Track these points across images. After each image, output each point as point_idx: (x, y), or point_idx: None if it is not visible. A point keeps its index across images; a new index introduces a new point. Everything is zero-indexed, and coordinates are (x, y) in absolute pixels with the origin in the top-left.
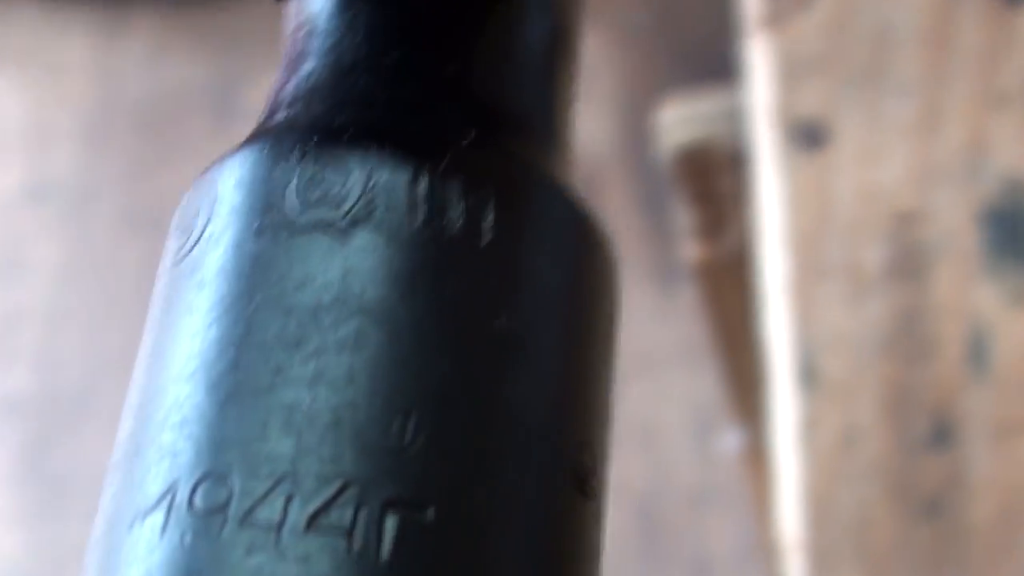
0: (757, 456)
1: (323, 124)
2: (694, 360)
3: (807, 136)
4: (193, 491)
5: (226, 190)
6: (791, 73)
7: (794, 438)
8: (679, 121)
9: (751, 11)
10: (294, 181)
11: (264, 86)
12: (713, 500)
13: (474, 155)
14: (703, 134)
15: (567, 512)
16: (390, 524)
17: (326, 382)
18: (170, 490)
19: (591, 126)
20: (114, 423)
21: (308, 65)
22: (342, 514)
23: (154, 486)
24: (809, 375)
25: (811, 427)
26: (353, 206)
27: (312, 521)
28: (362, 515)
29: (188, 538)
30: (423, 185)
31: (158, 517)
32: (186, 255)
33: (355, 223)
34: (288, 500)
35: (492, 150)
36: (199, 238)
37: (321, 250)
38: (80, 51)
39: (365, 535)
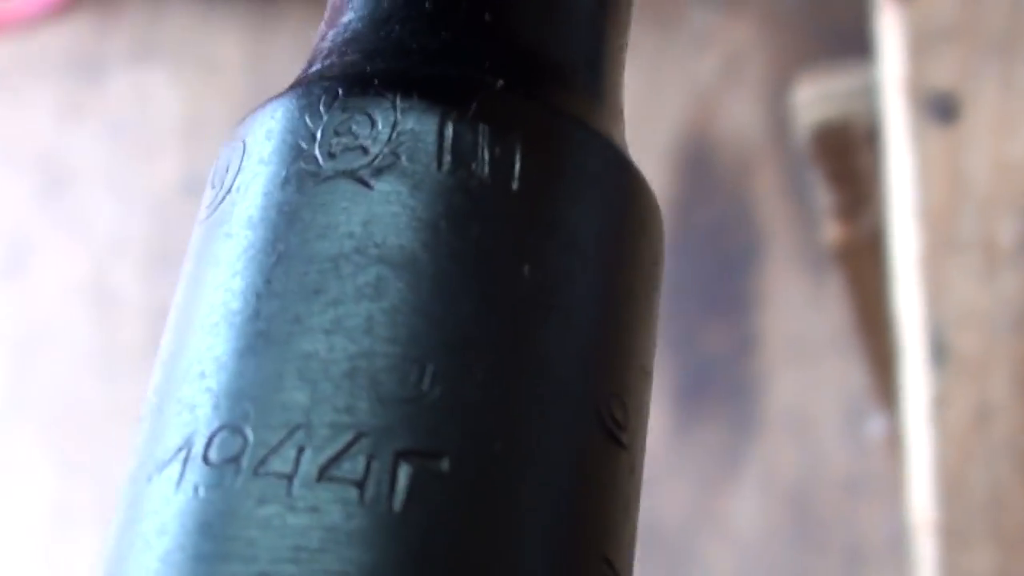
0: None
1: (353, 73)
2: (848, 347)
3: (940, 109)
4: (209, 443)
5: (255, 142)
6: (923, 45)
7: (925, 417)
8: (816, 99)
9: None
10: (320, 130)
11: None
12: (867, 487)
13: (503, 101)
14: (840, 111)
15: (595, 463)
16: (403, 475)
17: (344, 331)
18: (187, 442)
19: (741, 112)
20: None
21: (346, 17)
22: (354, 464)
23: (172, 438)
24: (940, 352)
25: (942, 405)
26: (379, 154)
27: (324, 471)
28: (375, 465)
29: (201, 490)
30: (449, 131)
31: (174, 469)
32: (216, 208)
33: (379, 171)
34: (300, 450)
35: (522, 96)
36: (229, 190)
37: (345, 198)
38: (233, 46)
39: (377, 486)
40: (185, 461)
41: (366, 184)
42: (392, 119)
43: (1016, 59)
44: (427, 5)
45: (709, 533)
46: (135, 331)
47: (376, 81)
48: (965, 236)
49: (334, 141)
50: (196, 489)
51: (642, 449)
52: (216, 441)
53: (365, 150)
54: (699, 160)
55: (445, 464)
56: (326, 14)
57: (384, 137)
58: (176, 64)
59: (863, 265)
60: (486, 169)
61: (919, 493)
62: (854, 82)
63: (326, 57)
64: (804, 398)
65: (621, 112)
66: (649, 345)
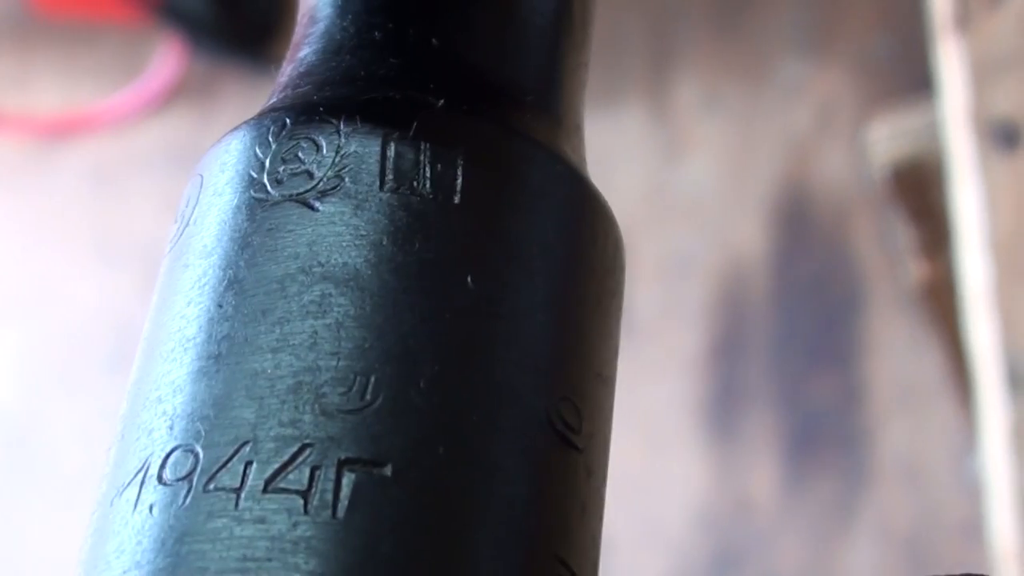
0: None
1: (301, 103)
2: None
3: (1004, 136)
4: (163, 464)
5: (211, 175)
6: (983, 73)
7: (1004, 445)
8: (887, 137)
9: (941, 14)
10: (269, 158)
11: None
12: (982, 530)
13: (444, 119)
14: (912, 149)
15: (546, 465)
16: (346, 482)
17: (289, 348)
18: (144, 464)
19: (835, 161)
20: None
21: (302, 52)
22: (299, 475)
23: (131, 463)
24: (1016, 379)
25: (1022, 433)
26: (323, 177)
27: (269, 483)
28: (319, 475)
29: (155, 509)
30: (392, 151)
31: (132, 491)
32: (176, 241)
33: (324, 193)
34: (247, 465)
35: (464, 115)
36: (188, 223)
37: (291, 222)
38: None
39: (322, 494)
40: (142, 483)
41: (311, 207)
42: (336, 143)
43: None
44: (377, 35)
45: None
46: None
47: (321, 108)
48: None
49: (281, 168)
50: (151, 508)
51: (602, 452)
52: (170, 461)
53: (311, 174)
54: (796, 212)
55: (388, 470)
56: (288, 52)
57: (329, 161)
58: None
59: (947, 302)
60: (428, 185)
61: (1002, 521)
62: (925, 118)
63: (282, 91)
64: (914, 445)
65: (578, 127)
66: (605, 351)
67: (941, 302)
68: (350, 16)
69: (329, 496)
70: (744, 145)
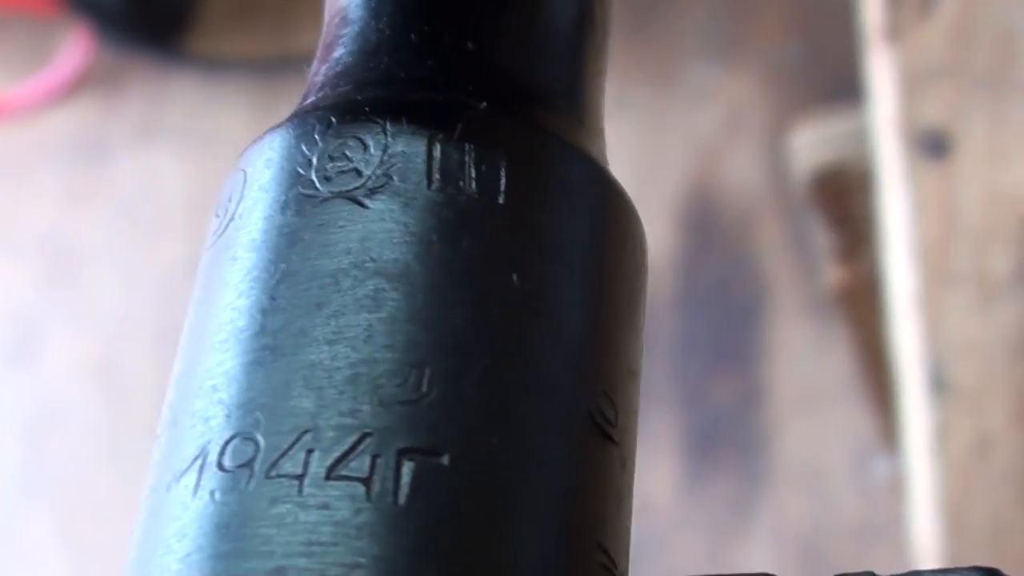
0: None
1: (344, 102)
2: (855, 393)
3: (931, 145)
4: (223, 451)
5: (255, 171)
6: (913, 84)
7: (927, 449)
8: (812, 143)
9: (871, 24)
10: (316, 156)
11: None
12: (877, 533)
13: (487, 122)
14: (836, 155)
15: (587, 457)
16: (406, 471)
17: (345, 340)
18: (202, 451)
19: (743, 165)
20: None
21: (337, 52)
22: (360, 463)
23: (188, 449)
24: (939, 384)
25: (943, 437)
26: (372, 175)
27: (331, 471)
28: (379, 463)
29: (217, 494)
30: (437, 152)
31: (191, 477)
32: (220, 235)
33: (373, 191)
34: (309, 452)
35: (505, 117)
36: (232, 217)
37: (342, 218)
38: (238, 123)
39: (382, 482)
40: (201, 469)
41: (361, 204)
42: (383, 143)
43: (1004, 94)
44: (412, 37)
45: None
46: (144, 411)
47: (367, 108)
48: (960, 269)
49: (329, 165)
50: (212, 493)
51: (633, 445)
52: (229, 449)
53: (359, 172)
54: (702, 215)
55: (445, 459)
56: (318, 52)
57: (376, 160)
58: (181, 144)
59: (863, 306)
60: (473, 185)
61: (923, 524)
62: (849, 125)
63: (319, 90)
64: (812, 447)
65: (601, 131)
66: (635, 347)
67: (856, 306)
68: (385, 19)
69: (390, 484)
70: (652, 148)
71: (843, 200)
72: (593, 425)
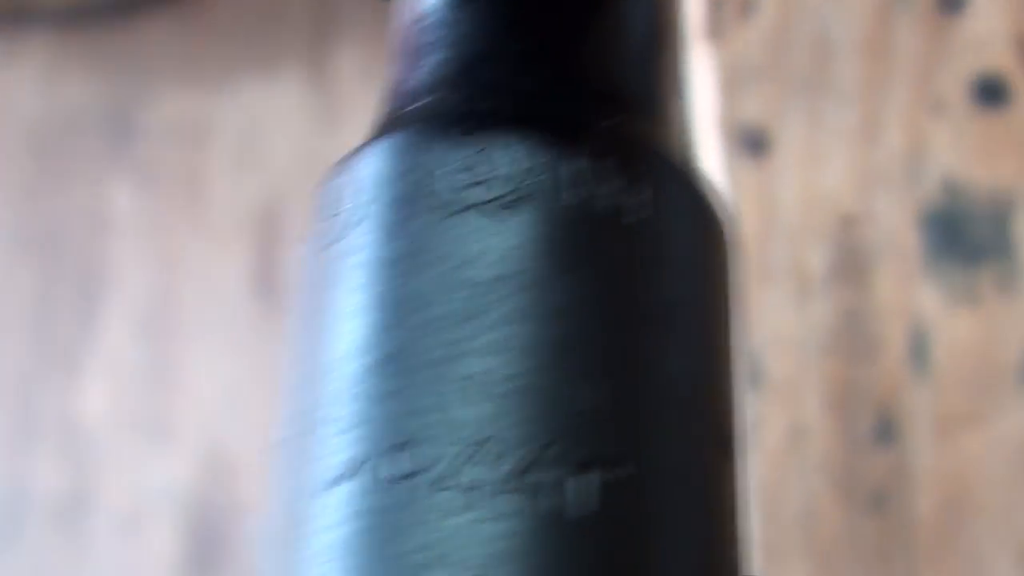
0: None
1: (465, 112)
2: None
3: (751, 143)
4: (380, 460)
5: (376, 177)
6: (733, 82)
7: (745, 440)
8: None
9: (693, 22)
10: (442, 168)
11: (161, 108)
12: None
13: (609, 140)
14: None
15: (718, 471)
16: (583, 484)
17: (499, 353)
18: (355, 460)
19: None
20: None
21: (434, 56)
22: (532, 477)
23: (338, 458)
24: (755, 376)
25: (759, 427)
26: (503, 190)
27: (505, 483)
28: (555, 476)
29: (383, 504)
30: (565, 169)
31: (345, 487)
32: (337, 240)
33: (507, 207)
34: (488, 462)
35: (629, 134)
36: (350, 223)
37: (478, 231)
38: None
39: (560, 495)
40: (357, 478)
41: (497, 217)
42: (511, 156)
43: (820, 96)
44: (515, 46)
45: None
46: None
47: (491, 121)
48: (777, 265)
49: (459, 177)
50: (376, 503)
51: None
52: (388, 458)
53: (490, 186)
54: None
55: (618, 473)
56: (401, 52)
57: (505, 173)
58: None
59: None
60: (604, 203)
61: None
62: None
63: (421, 96)
64: None
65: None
66: (734, 360)
67: None
68: (487, 25)
69: (569, 496)
70: None
71: None
72: (720, 442)
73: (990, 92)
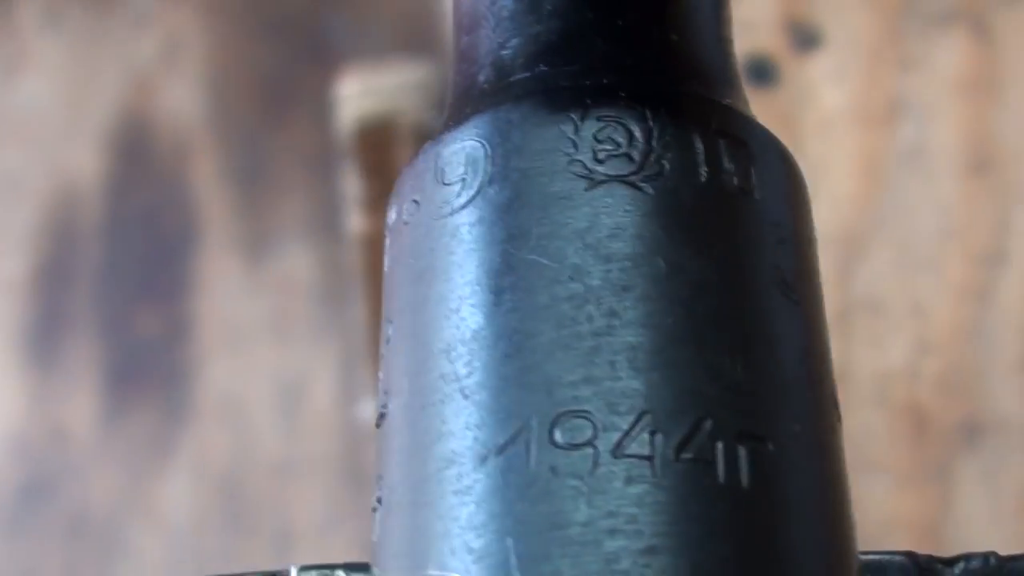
0: None
1: (590, 85)
2: (281, 333)
3: None
4: (552, 427)
5: (503, 144)
6: None
7: None
8: (361, 93)
9: None
10: (580, 137)
11: None
12: (298, 471)
13: (730, 116)
14: (378, 107)
15: (838, 439)
16: (743, 455)
17: (657, 325)
18: (525, 427)
19: (180, 96)
20: None
21: (534, 30)
22: (703, 447)
23: (504, 424)
24: None
25: None
26: (644, 162)
27: (679, 453)
28: (720, 447)
29: (562, 469)
30: (699, 145)
31: (517, 453)
32: (464, 206)
33: (649, 178)
34: (653, 434)
35: (741, 111)
36: (478, 190)
37: (625, 201)
38: None
39: (727, 465)
40: (528, 444)
41: (640, 189)
42: (648, 130)
43: None
44: (616, 22)
45: (139, 520)
46: None
47: (623, 94)
48: None
49: (597, 148)
50: (553, 469)
51: None
52: (560, 425)
53: (630, 158)
54: (135, 143)
55: (770, 446)
56: (486, 25)
57: (644, 147)
58: None
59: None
60: (734, 180)
61: None
62: (399, 78)
63: (517, 68)
64: (235, 384)
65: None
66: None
67: (375, 255)
68: (588, 3)
69: (733, 467)
70: (86, 70)
71: (386, 151)
72: (836, 410)
73: (759, 72)
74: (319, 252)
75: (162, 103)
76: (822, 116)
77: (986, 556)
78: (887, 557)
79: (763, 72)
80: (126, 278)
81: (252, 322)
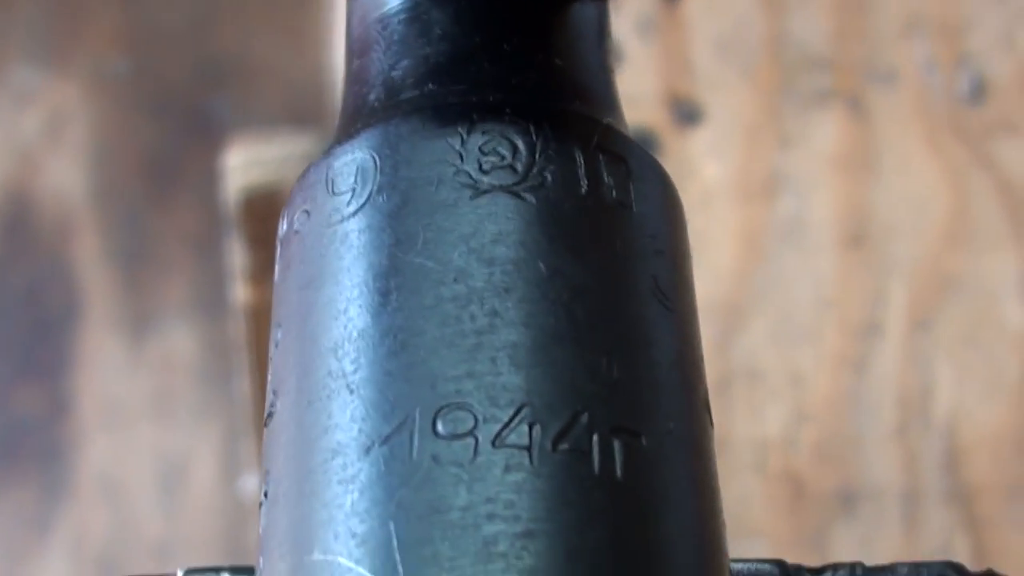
0: None
1: (476, 102)
2: (162, 411)
3: None
4: (435, 418)
5: (391, 155)
6: None
7: None
8: (247, 164)
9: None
10: (466, 149)
11: None
12: (178, 552)
13: (610, 134)
14: (268, 177)
15: (708, 437)
16: (617, 448)
17: (537, 325)
18: (409, 418)
19: (63, 172)
20: None
21: (422, 51)
22: (579, 439)
23: (389, 416)
24: None
25: None
26: (527, 174)
27: (556, 444)
28: (595, 439)
29: (443, 458)
30: (580, 159)
31: (400, 443)
32: (354, 214)
33: (532, 188)
34: (531, 426)
35: (621, 129)
36: (367, 198)
37: (509, 210)
38: None
39: (602, 457)
40: (412, 435)
41: (523, 199)
42: (531, 144)
43: None
44: (501, 45)
45: None
46: None
47: (508, 110)
48: None
49: (483, 160)
50: (435, 458)
51: None
52: (442, 417)
53: (514, 169)
54: (17, 219)
55: (643, 440)
56: (376, 49)
57: (527, 159)
58: None
59: (267, 326)
60: (613, 193)
61: None
62: (289, 148)
63: (406, 87)
64: (114, 462)
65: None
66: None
67: (262, 326)
68: (470, 23)
69: (608, 459)
70: None
71: (269, 223)
72: (709, 419)
73: (642, 144)
74: (201, 330)
75: (45, 179)
76: (703, 189)
77: (852, 566)
78: (756, 565)
79: (646, 145)
80: (5, 354)
81: (133, 400)
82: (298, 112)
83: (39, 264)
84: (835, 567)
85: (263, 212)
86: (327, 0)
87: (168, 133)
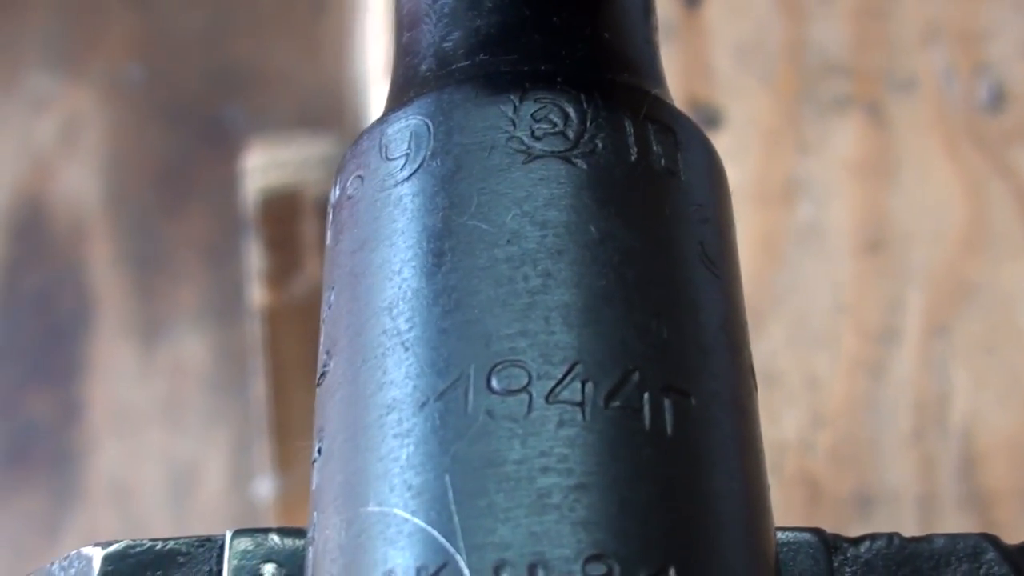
0: (290, 503)
1: (528, 71)
2: (172, 417)
3: None
4: (489, 375)
5: (445, 121)
6: None
7: None
8: (266, 166)
9: (372, 64)
10: (519, 116)
11: None
12: None
13: (658, 105)
14: (286, 180)
15: (755, 408)
16: (667, 406)
17: (590, 287)
18: (463, 375)
19: (76, 177)
20: None
21: (473, 23)
22: (630, 396)
23: (443, 373)
24: None
25: None
26: (578, 141)
27: (608, 401)
28: (646, 397)
29: (498, 412)
30: (630, 128)
31: (455, 398)
32: (407, 178)
33: (584, 155)
34: (584, 383)
35: (667, 100)
36: (421, 163)
37: (560, 175)
38: None
39: (653, 414)
40: (467, 390)
41: (574, 164)
42: (582, 112)
43: None
44: (552, 18)
45: None
46: None
47: (559, 80)
48: None
49: (535, 127)
50: (489, 413)
51: None
52: (497, 373)
53: (566, 136)
54: (31, 224)
55: (693, 400)
56: (427, 21)
57: (578, 127)
58: None
59: (284, 330)
60: (662, 162)
61: None
62: (309, 151)
63: (458, 57)
64: (125, 467)
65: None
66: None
67: (278, 329)
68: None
69: (660, 416)
70: None
71: (289, 224)
72: (754, 383)
73: None
74: (213, 337)
75: (59, 185)
76: None
77: (890, 536)
78: (796, 534)
79: None
80: (18, 359)
81: (144, 406)
82: (312, 119)
83: (52, 269)
84: (873, 537)
85: (281, 214)
86: (342, 8)
87: (182, 140)
